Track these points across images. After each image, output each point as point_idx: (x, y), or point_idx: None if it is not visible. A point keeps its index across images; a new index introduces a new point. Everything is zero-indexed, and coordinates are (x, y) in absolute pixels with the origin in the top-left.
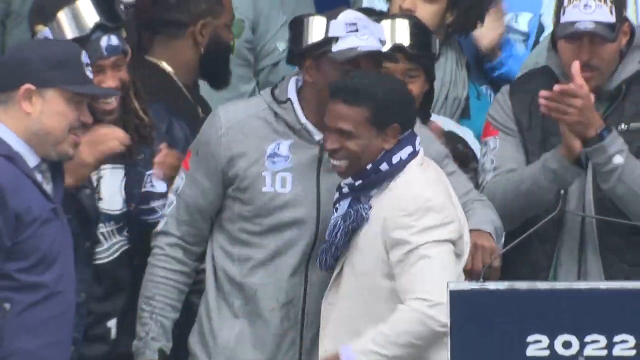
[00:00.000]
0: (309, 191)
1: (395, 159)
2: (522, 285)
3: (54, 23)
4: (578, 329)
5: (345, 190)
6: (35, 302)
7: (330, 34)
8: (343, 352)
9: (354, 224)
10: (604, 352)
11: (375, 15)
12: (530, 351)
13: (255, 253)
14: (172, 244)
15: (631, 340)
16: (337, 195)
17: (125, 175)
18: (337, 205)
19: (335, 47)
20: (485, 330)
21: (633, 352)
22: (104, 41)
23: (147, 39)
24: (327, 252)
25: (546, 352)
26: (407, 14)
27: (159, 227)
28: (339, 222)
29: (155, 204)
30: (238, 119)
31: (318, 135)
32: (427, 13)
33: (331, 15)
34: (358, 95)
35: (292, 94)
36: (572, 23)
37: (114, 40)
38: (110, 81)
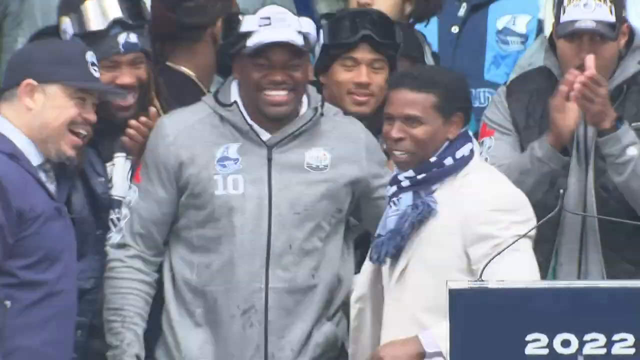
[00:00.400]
0: (261, 192)
1: (458, 154)
2: (521, 284)
3: (76, 14)
4: (577, 328)
5: (406, 183)
6: (37, 300)
7: (243, 30)
8: (424, 335)
9: (421, 216)
10: (603, 351)
11: None
12: (529, 350)
13: (213, 259)
14: (131, 256)
15: (630, 339)
16: (393, 188)
17: (131, 167)
18: (395, 198)
19: (249, 42)
20: (485, 329)
21: (632, 351)
22: (121, 38)
23: (168, 48)
24: (390, 243)
25: (545, 351)
26: (367, 7)
27: (115, 241)
28: (407, 212)
29: None
30: (184, 126)
31: (265, 136)
32: (385, 5)
33: (249, 12)
34: (424, 81)
35: (236, 96)
36: (573, 22)
37: (133, 37)
38: (126, 77)
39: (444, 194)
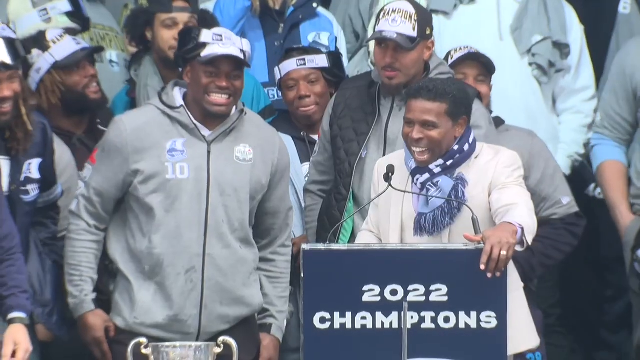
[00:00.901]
0: (202, 177)
1: (471, 140)
2: (359, 246)
3: None
4: (402, 280)
5: (437, 170)
6: None
7: (200, 41)
8: (509, 219)
9: (463, 189)
10: (423, 298)
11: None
12: (365, 298)
13: (162, 229)
14: (82, 221)
15: (444, 289)
16: (425, 176)
17: (11, 165)
18: (432, 182)
19: (203, 53)
20: (331, 281)
21: (445, 298)
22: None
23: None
24: (447, 214)
25: (378, 298)
26: None
27: (72, 208)
28: (457, 186)
29: (30, 187)
30: (140, 122)
31: (206, 132)
32: None
33: (206, 28)
34: (438, 93)
35: (181, 100)
36: (381, 31)
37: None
38: (5, 91)
39: (471, 172)
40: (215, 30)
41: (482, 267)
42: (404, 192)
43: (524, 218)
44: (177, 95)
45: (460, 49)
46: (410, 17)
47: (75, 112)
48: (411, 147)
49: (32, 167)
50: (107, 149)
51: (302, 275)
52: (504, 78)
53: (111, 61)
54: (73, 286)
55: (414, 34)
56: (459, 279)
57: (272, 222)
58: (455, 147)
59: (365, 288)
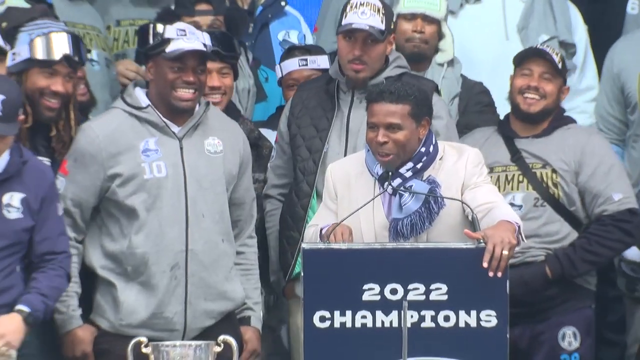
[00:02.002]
0: (178, 174)
1: (434, 142)
2: (359, 245)
3: None
4: (402, 279)
5: (409, 174)
6: None
7: (165, 36)
8: (503, 217)
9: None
10: (423, 297)
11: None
12: (366, 297)
13: (144, 229)
14: None
15: (444, 288)
16: (397, 181)
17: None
18: (404, 186)
19: (167, 48)
20: (330, 280)
21: (445, 297)
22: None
23: None
24: (425, 219)
25: (377, 297)
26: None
27: None
28: (433, 189)
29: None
30: (110, 128)
31: (176, 129)
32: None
33: (168, 23)
34: (400, 95)
35: (147, 100)
36: (351, 23)
37: None
38: (59, 86)
39: (441, 173)
40: (178, 25)
41: (485, 265)
42: (419, 193)
43: (515, 216)
44: (140, 96)
45: (535, 45)
46: (378, 10)
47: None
48: (377, 151)
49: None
50: (80, 157)
51: (302, 274)
52: None
53: (92, 60)
54: (59, 302)
55: (382, 26)
56: (459, 278)
57: (239, 214)
58: (423, 149)
59: (365, 287)
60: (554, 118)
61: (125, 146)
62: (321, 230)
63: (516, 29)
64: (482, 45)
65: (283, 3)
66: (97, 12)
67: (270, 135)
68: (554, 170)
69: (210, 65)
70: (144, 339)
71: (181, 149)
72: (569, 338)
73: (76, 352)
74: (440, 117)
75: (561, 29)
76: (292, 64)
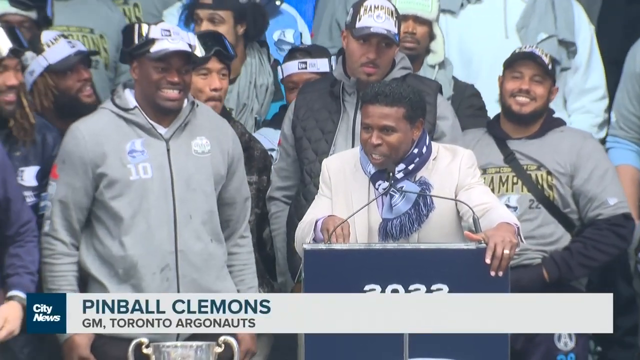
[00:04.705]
0: (165, 175)
1: (427, 142)
2: (360, 246)
3: None
4: (403, 280)
5: (400, 175)
6: None
7: (150, 37)
8: (503, 219)
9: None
10: None
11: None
12: None
13: (132, 231)
14: (58, 242)
15: (445, 288)
16: (388, 182)
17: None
18: (395, 187)
19: (152, 49)
20: (332, 281)
21: None
22: None
23: None
24: (415, 221)
25: None
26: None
27: (45, 229)
28: (424, 191)
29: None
30: (96, 128)
31: (162, 130)
32: (223, 29)
33: (152, 23)
34: (395, 97)
35: (134, 101)
36: (368, 27)
37: None
38: (13, 79)
39: (434, 174)
40: (163, 25)
41: (488, 260)
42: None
43: (513, 218)
44: (129, 97)
45: (525, 47)
46: (392, 13)
47: (68, 114)
48: (369, 152)
49: (26, 175)
50: (69, 159)
51: (303, 275)
52: None
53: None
54: None
55: (396, 30)
56: (459, 279)
57: (230, 213)
58: (415, 151)
59: (367, 288)
60: (545, 120)
61: (111, 147)
62: (316, 222)
63: (515, 28)
64: (482, 45)
65: (278, 2)
66: (92, 13)
67: (273, 134)
68: (549, 172)
69: (211, 65)
70: (145, 340)
71: (168, 150)
72: (565, 338)
73: (74, 357)
74: (445, 117)
75: (561, 28)
76: (291, 67)
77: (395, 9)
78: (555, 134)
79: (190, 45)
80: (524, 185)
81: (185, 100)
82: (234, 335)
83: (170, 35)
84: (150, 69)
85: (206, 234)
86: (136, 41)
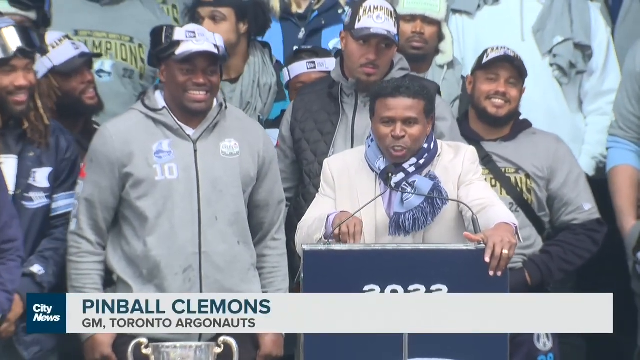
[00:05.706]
0: (191, 176)
1: (434, 139)
2: (359, 246)
3: None
4: (403, 280)
5: (412, 169)
6: None
7: (174, 39)
8: (502, 219)
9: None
10: None
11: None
12: None
13: (156, 231)
14: (84, 240)
15: (444, 289)
16: (399, 175)
17: (18, 167)
18: (407, 182)
19: (177, 51)
20: (331, 281)
21: None
22: None
23: None
24: (428, 214)
25: None
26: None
27: (71, 228)
28: (438, 187)
29: (33, 194)
30: (124, 128)
31: (190, 131)
32: (222, 32)
33: (179, 25)
34: (416, 90)
35: (163, 102)
36: (368, 28)
37: None
38: (21, 80)
39: (439, 169)
40: (188, 27)
41: (487, 259)
42: (417, 193)
43: (511, 216)
44: (158, 98)
45: (497, 48)
46: (391, 14)
47: (70, 115)
48: (391, 145)
49: (38, 176)
50: (96, 158)
51: (302, 275)
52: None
53: (101, 71)
54: None
55: (395, 30)
56: (459, 279)
57: (263, 216)
58: (425, 146)
59: (366, 288)
60: (515, 122)
61: (138, 147)
62: (327, 217)
63: (532, 31)
64: None
65: (341, 11)
66: (133, 20)
67: (276, 135)
68: (527, 176)
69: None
70: (144, 340)
71: (195, 151)
72: (543, 339)
73: (96, 355)
74: (444, 118)
75: (577, 31)
76: (300, 67)
77: (394, 10)
78: (527, 137)
79: (216, 46)
80: (503, 187)
81: (215, 101)
82: (256, 337)
83: (195, 37)
84: (176, 71)
85: (233, 235)
86: (163, 44)
